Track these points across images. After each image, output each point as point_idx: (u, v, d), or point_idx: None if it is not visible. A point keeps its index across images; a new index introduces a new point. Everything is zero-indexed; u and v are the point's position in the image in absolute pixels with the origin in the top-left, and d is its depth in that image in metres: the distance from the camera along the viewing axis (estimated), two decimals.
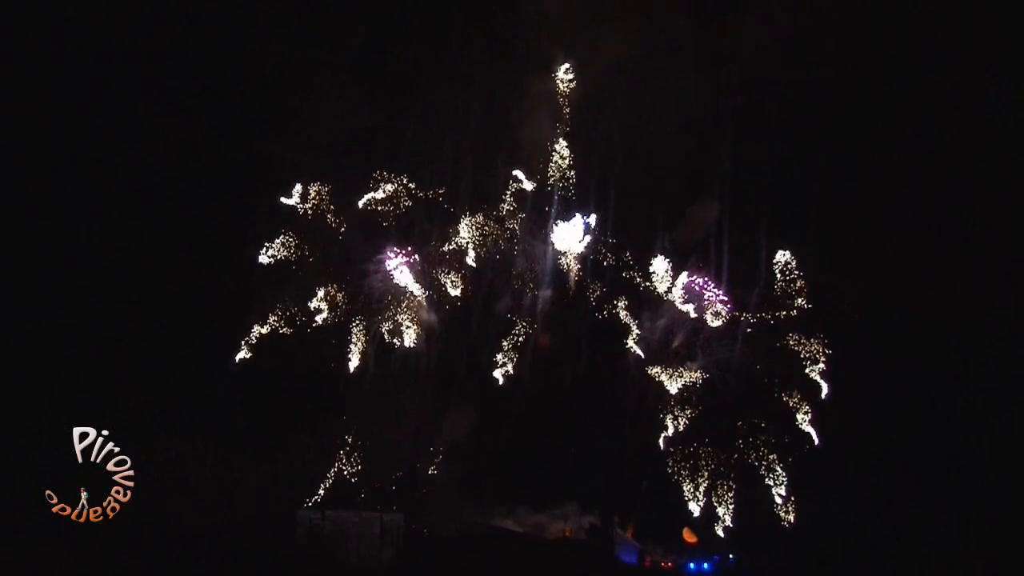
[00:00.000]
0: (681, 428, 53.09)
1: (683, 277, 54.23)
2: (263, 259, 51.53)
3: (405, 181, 53.67)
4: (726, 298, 53.95)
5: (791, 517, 52.43)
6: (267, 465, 50.20)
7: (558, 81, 53.96)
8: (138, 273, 49.74)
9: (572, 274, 54.88)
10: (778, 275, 54.15)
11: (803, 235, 53.25)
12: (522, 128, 53.79)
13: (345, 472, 52.42)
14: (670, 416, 53.05)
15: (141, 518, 42.24)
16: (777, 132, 52.45)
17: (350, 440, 52.61)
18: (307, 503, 51.24)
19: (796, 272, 53.95)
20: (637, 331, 54.30)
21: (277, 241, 51.63)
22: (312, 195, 52.57)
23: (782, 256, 53.98)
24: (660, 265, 54.18)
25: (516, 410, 53.47)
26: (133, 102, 49.57)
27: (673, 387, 52.83)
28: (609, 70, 52.12)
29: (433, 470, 53.41)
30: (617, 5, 51.81)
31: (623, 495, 54.07)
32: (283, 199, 52.14)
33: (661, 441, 53.16)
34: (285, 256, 51.80)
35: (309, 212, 52.71)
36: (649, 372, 53.69)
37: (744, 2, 52.29)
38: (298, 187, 52.43)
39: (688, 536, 53.73)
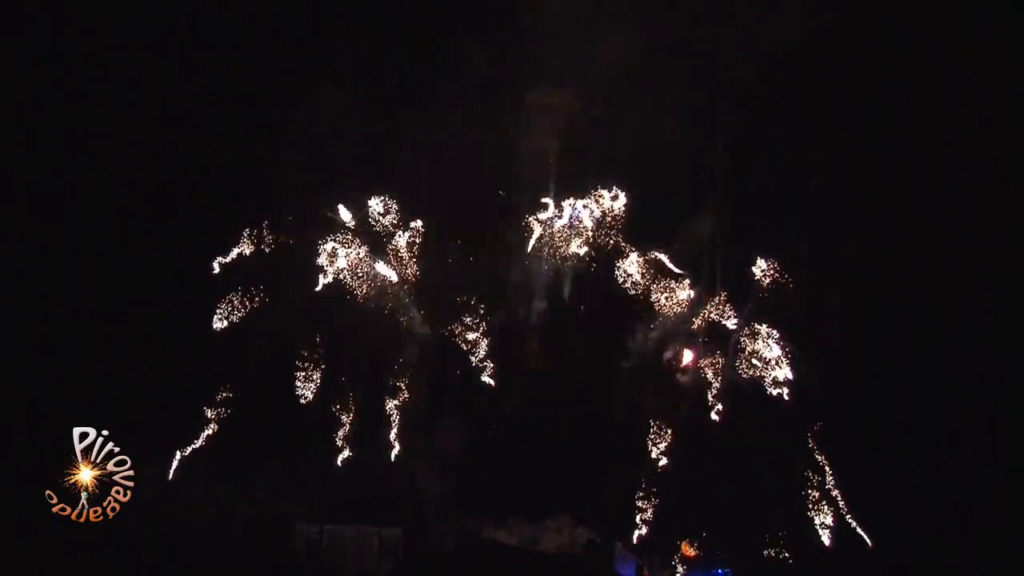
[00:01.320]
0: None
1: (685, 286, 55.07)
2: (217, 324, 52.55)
3: (397, 207, 54.58)
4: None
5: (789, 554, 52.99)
6: (265, 479, 50.55)
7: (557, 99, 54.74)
8: (139, 274, 50.36)
9: (567, 286, 55.61)
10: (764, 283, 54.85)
11: (799, 249, 53.89)
12: (521, 139, 54.35)
13: (342, 486, 52.69)
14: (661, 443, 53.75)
15: (140, 530, 43.13)
16: (775, 144, 53.28)
17: (347, 454, 52.81)
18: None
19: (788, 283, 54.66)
20: (631, 344, 55.21)
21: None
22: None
23: (763, 266, 54.74)
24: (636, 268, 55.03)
25: (509, 421, 54.11)
26: (132, 102, 50.51)
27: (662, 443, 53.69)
28: (607, 80, 52.79)
29: (427, 482, 53.66)
30: (616, 16, 52.50)
31: (620, 507, 54.17)
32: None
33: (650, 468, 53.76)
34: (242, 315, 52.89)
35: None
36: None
37: (742, 15, 52.79)
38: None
39: (687, 550, 53.93)
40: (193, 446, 51.10)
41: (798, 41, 50.84)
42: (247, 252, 52.87)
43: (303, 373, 52.82)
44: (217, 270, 52.08)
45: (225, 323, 51.93)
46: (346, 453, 52.63)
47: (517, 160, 54.52)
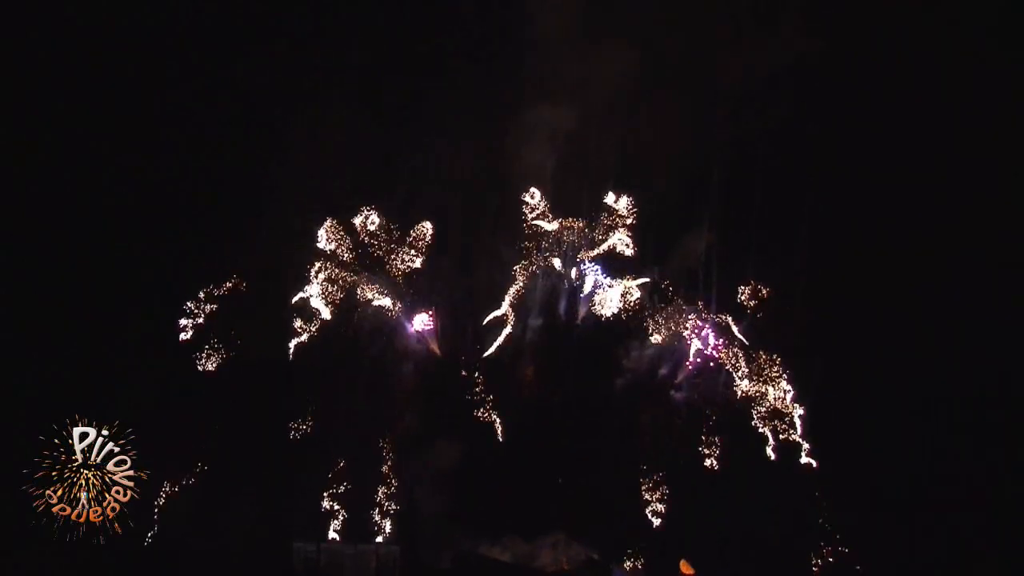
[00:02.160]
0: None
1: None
2: (205, 365, 53.04)
3: (388, 223, 55.12)
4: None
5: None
6: (264, 497, 50.73)
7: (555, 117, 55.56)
8: (140, 275, 50.98)
9: (561, 304, 56.13)
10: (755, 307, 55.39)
11: (792, 269, 54.49)
12: (517, 157, 55.23)
13: (338, 505, 52.82)
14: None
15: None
16: (771, 166, 54.14)
17: (344, 473, 53.00)
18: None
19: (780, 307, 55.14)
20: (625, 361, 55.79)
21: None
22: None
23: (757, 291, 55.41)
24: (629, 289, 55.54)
25: (504, 439, 54.46)
26: (135, 106, 51.40)
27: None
28: (604, 99, 53.96)
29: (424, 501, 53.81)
30: (614, 35, 53.74)
31: (617, 525, 54.25)
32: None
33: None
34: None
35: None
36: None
37: (738, 37, 54.07)
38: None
39: (685, 568, 53.79)
40: (193, 463, 51.45)
41: (791, 65, 51.88)
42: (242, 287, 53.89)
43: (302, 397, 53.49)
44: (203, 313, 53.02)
45: (213, 364, 52.62)
46: (344, 486, 52.92)
47: (515, 176, 55.60)
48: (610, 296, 55.33)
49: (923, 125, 52.38)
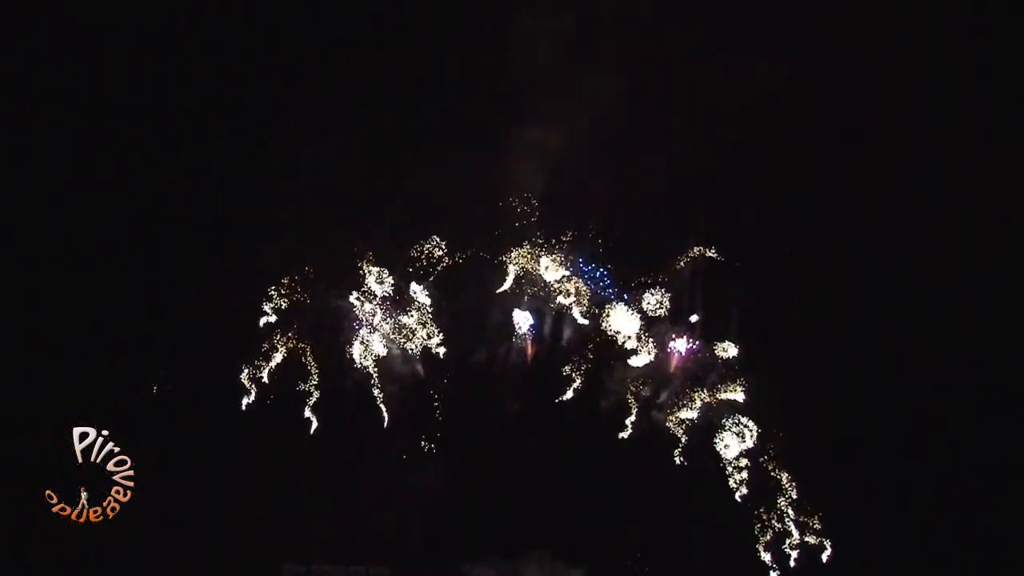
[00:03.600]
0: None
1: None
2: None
3: (372, 255, 55.74)
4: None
5: None
6: (252, 517, 50.81)
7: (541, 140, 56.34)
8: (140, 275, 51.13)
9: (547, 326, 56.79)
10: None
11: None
12: (508, 179, 55.84)
13: (329, 524, 52.89)
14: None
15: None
16: (763, 193, 54.16)
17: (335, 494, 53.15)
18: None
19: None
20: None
21: None
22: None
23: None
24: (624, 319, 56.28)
25: (490, 458, 54.91)
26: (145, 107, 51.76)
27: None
28: (597, 121, 54.02)
29: (412, 518, 53.96)
30: (607, 56, 53.71)
31: (608, 545, 54.60)
32: None
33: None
34: None
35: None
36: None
37: (736, 58, 53.06)
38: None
39: None
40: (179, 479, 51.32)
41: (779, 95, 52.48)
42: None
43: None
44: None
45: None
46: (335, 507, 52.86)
47: (500, 201, 56.29)
48: (609, 314, 56.29)
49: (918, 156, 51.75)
